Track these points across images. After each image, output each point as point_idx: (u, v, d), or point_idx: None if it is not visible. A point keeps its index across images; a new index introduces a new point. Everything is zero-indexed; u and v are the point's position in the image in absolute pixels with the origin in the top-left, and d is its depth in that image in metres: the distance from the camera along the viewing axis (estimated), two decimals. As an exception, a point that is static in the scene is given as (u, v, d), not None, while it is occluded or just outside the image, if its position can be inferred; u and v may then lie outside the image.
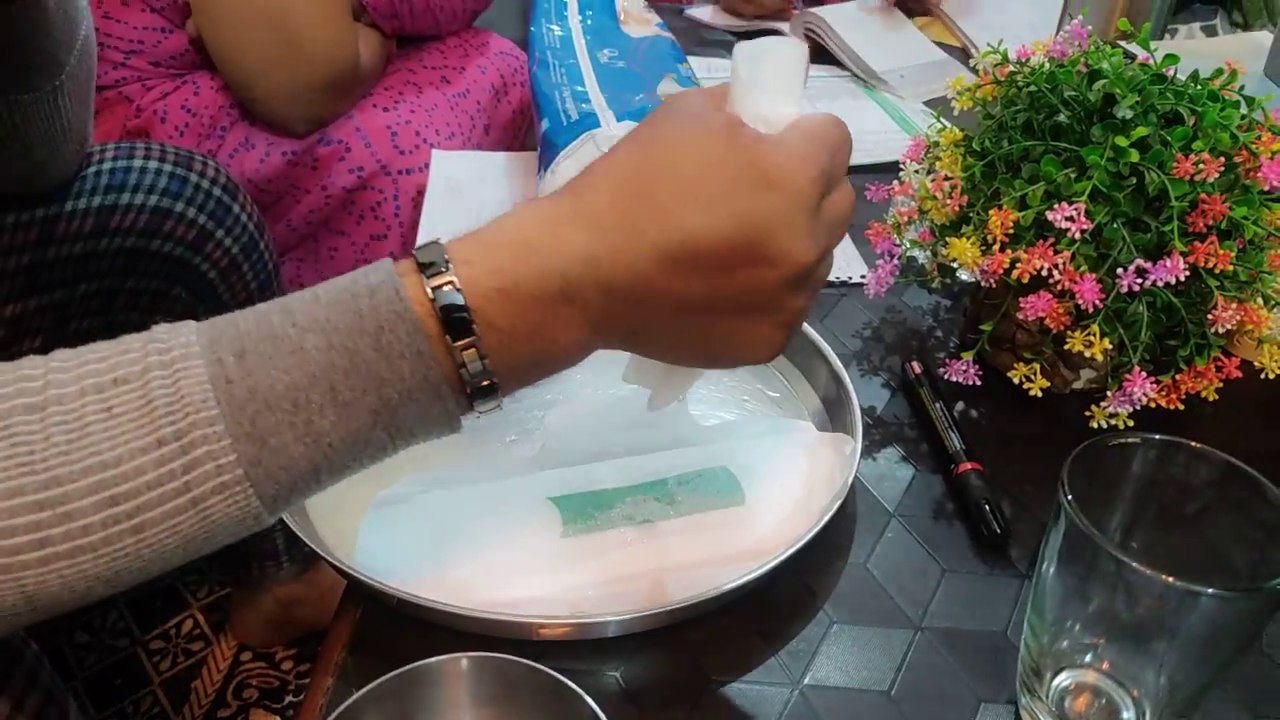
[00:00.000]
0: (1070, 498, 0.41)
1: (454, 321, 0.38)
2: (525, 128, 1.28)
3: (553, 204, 0.41)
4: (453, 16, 1.21)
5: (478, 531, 0.55)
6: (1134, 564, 0.39)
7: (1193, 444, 0.43)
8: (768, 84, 0.43)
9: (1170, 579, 0.39)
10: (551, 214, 0.41)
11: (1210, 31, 1.47)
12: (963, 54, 1.26)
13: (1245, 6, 1.46)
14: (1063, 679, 0.47)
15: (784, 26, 1.31)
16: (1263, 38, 0.82)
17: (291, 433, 0.37)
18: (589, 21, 1.01)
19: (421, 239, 0.88)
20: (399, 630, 0.51)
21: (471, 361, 0.39)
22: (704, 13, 1.40)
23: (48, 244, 0.77)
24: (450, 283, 0.38)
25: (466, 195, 0.94)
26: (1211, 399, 0.61)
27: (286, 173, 1.05)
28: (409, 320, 0.38)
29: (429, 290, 0.38)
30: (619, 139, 0.44)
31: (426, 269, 0.39)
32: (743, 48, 0.43)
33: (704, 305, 0.41)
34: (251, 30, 0.95)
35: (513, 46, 1.31)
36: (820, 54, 1.24)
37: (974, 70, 0.71)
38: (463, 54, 1.24)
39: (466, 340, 0.39)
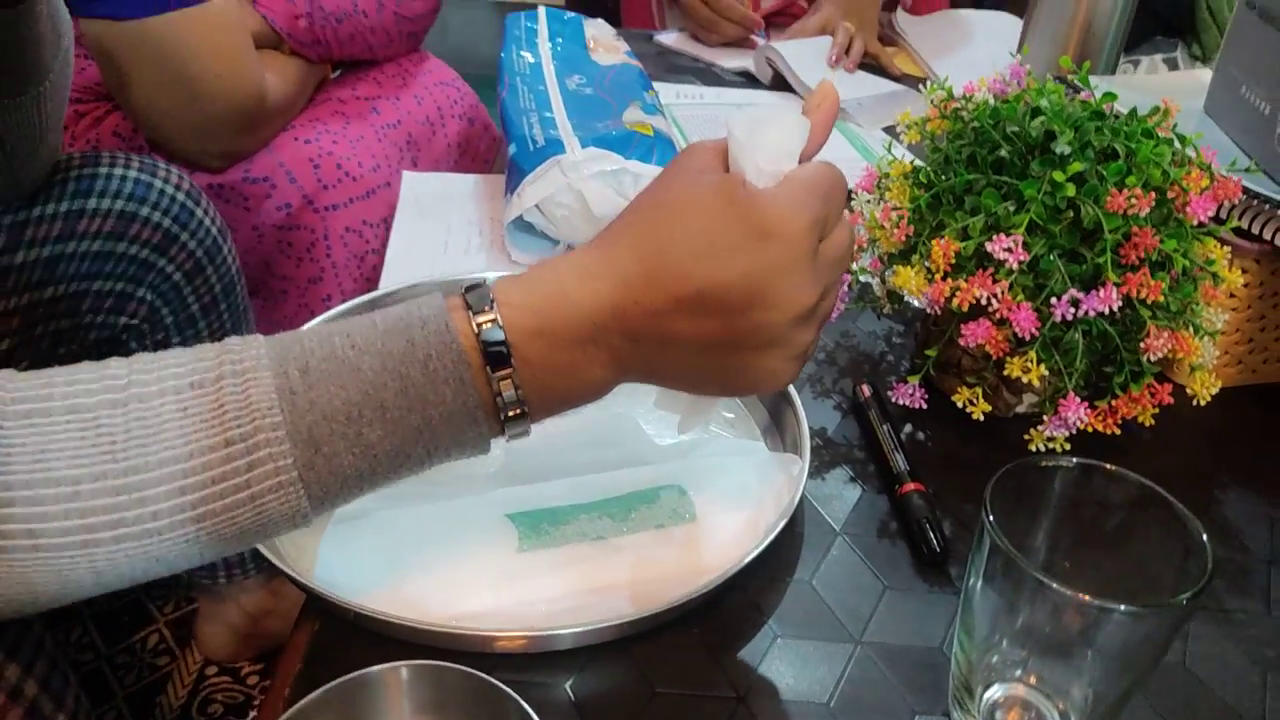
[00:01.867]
0: (992, 518, 0.43)
1: (494, 355, 0.43)
2: (465, 161, 1.27)
3: (584, 256, 0.46)
4: (387, 40, 1.17)
5: (436, 546, 0.57)
6: (1051, 582, 0.41)
7: (1108, 466, 0.46)
8: (765, 146, 0.46)
9: (1085, 596, 0.41)
10: (583, 266, 0.45)
11: (1171, 64, 1.51)
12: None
13: (1204, 40, 1.50)
14: (993, 693, 0.49)
15: (748, 62, 1.35)
16: (1207, 75, 0.85)
17: (344, 443, 0.42)
18: (559, 49, 1.03)
19: (390, 259, 0.90)
20: (357, 644, 0.52)
21: (507, 391, 0.43)
22: (671, 39, 1.44)
23: (15, 249, 0.79)
24: (493, 320, 0.43)
25: (435, 216, 0.95)
26: (1149, 424, 0.63)
27: (220, 211, 1.04)
28: (454, 351, 0.42)
29: (474, 325, 0.43)
30: (642, 184, 0.47)
31: (473, 306, 0.43)
32: (739, 119, 0.47)
33: (718, 345, 0.45)
34: (154, 81, 0.93)
35: (455, 77, 1.29)
36: (781, 84, 1.29)
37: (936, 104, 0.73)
38: (400, 83, 1.22)
39: (504, 372, 0.43)
